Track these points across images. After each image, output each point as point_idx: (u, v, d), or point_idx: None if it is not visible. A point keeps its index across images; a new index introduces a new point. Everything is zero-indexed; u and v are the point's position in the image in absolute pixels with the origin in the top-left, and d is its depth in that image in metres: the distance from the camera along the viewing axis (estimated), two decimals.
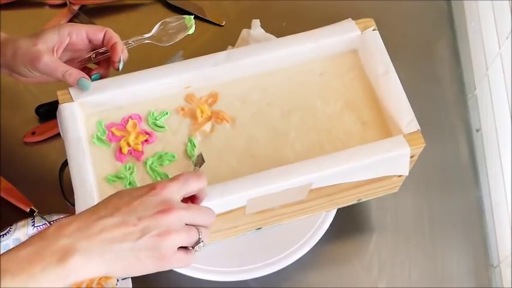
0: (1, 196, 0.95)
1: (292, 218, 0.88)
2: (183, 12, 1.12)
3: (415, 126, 0.80)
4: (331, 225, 0.91)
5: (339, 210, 0.91)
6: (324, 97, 0.86)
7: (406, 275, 0.93)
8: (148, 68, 0.85)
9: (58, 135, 1.00)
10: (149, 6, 1.14)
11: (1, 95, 1.04)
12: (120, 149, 0.82)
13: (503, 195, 0.93)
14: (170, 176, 0.80)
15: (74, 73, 0.82)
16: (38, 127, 1.02)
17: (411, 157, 0.80)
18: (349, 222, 0.95)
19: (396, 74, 0.84)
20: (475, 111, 1.06)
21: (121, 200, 0.63)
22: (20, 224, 0.91)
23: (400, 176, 0.85)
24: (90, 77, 0.85)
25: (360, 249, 0.95)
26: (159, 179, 0.80)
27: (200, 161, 0.78)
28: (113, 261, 0.61)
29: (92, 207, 0.64)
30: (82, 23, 1.10)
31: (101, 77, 0.86)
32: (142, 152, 0.82)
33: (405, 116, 0.81)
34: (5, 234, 0.90)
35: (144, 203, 0.63)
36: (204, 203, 0.73)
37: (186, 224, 0.65)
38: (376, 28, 0.88)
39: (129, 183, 0.80)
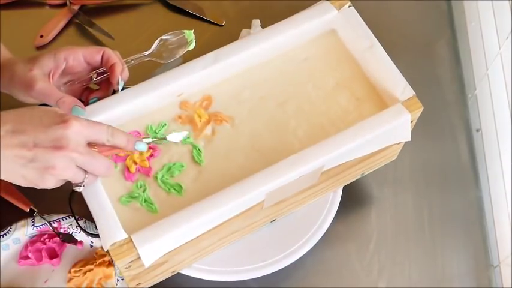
0: (1, 196, 0.95)
1: (303, 204, 0.89)
2: (183, 12, 1.12)
3: (409, 92, 0.82)
4: (331, 225, 0.91)
5: (338, 209, 0.91)
6: (314, 81, 0.87)
7: (406, 275, 0.93)
8: (147, 77, 0.85)
9: None
10: (149, 6, 1.14)
11: (1, 95, 1.04)
12: (128, 169, 0.81)
13: (503, 195, 0.93)
14: (184, 186, 0.80)
15: (68, 101, 0.80)
16: None
17: (411, 122, 0.82)
18: (349, 222, 0.95)
19: (381, 46, 0.85)
20: (475, 111, 1.06)
21: (31, 120, 0.67)
22: (19, 224, 0.91)
23: (399, 143, 0.87)
24: (88, 100, 0.84)
25: (360, 249, 0.95)
26: (173, 190, 0.80)
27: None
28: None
29: (8, 113, 0.68)
30: (82, 23, 1.10)
31: (99, 99, 0.84)
32: (150, 167, 0.82)
33: (398, 84, 0.83)
34: (5, 234, 0.90)
35: (46, 133, 0.66)
36: (230, 204, 0.74)
37: (78, 166, 0.70)
38: (351, 4, 0.89)
39: (145, 201, 0.79)
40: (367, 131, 0.80)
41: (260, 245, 0.90)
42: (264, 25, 1.07)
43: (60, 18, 1.10)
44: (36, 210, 0.93)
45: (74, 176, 0.70)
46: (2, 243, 0.90)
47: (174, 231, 0.74)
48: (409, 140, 0.85)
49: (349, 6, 0.88)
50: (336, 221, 0.91)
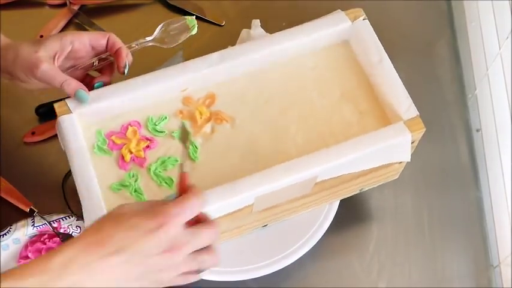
0: (1, 196, 0.95)
1: (297, 213, 0.88)
2: (183, 12, 1.12)
3: (413, 111, 0.81)
4: (331, 225, 0.91)
5: (338, 209, 0.91)
6: (320, 90, 0.87)
7: (406, 275, 0.93)
8: (148, 70, 0.85)
9: None
10: (149, 6, 1.14)
11: (1, 95, 1.04)
12: (123, 157, 0.82)
13: (503, 195, 0.93)
14: (175, 180, 0.80)
15: (73, 84, 0.81)
16: (38, 127, 1.02)
17: (412, 142, 0.81)
18: (349, 223, 0.95)
19: (390, 62, 0.85)
20: (475, 111, 1.06)
21: (128, 233, 0.61)
22: (19, 224, 0.91)
23: (401, 162, 0.85)
24: (93, 85, 0.84)
25: (360, 249, 0.94)
26: (164, 184, 0.80)
27: (185, 135, 0.71)
28: None
29: (96, 232, 0.62)
30: (82, 23, 1.10)
31: (104, 85, 0.85)
32: (144, 158, 0.82)
33: (403, 103, 0.82)
34: (5, 234, 0.90)
35: (150, 242, 0.62)
36: (217, 204, 0.74)
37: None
38: (366, 17, 0.88)
39: (135, 191, 0.79)
40: (364, 146, 0.79)
41: (260, 245, 0.90)
42: (264, 25, 1.07)
43: (60, 18, 1.11)
44: (36, 210, 0.93)
45: (190, 266, 0.65)
46: (1, 243, 0.90)
47: None
48: (408, 160, 0.84)
49: (363, 19, 0.88)
50: (336, 222, 0.91)
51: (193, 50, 1.07)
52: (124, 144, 0.83)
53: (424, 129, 0.80)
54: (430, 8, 1.16)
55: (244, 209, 0.79)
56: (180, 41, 0.96)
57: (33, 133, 1.01)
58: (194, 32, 0.96)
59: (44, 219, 0.91)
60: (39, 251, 0.90)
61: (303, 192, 0.83)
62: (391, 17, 1.14)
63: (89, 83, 0.85)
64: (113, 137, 0.83)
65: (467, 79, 1.09)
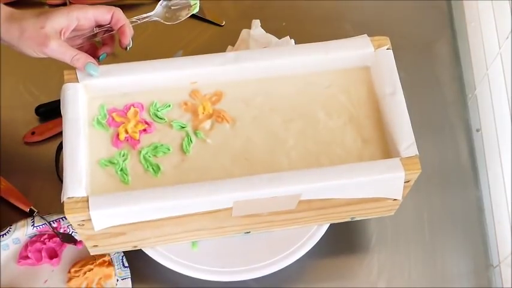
0: (1, 196, 0.95)
1: (281, 227, 0.88)
2: None
3: (413, 151, 0.79)
4: (331, 225, 0.91)
5: None
6: (329, 110, 0.85)
7: (406, 275, 0.93)
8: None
9: (58, 135, 1.00)
10: (149, 6, 1.14)
11: (1, 95, 1.04)
12: (118, 135, 0.83)
13: (503, 195, 0.93)
14: (162, 169, 0.81)
15: (82, 58, 0.82)
16: (38, 127, 1.02)
17: (406, 182, 0.79)
18: (349, 223, 0.95)
19: (403, 96, 0.82)
20: (475, 111, 1.06)
21: None
22: (19, 224, 0.91)
23: (395, 199, 0.84)
24: (97, 57, 0.85)
25: (359, 249, 0.95)
26: (150, 169, 0.81)
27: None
28: None
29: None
30: None
31: (107, 55, 0.86)
32: (138, 140, 0.83)
33: (405, 140, 0.79)
34: (5, 234, 0.90)
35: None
36: (193, 199, 0.75)
37: None
38: (391, 47, 0.86)
39: (121, 170, 0.80)
40: (354, 174, 0.77)
41: (260, 245, 0.90)
42: (263, 25, 1.07)
43: None
44: (36, 210, 0.93)
45: None
46: (1, 243, 0.90)
47: (129, 206, 0.75)
48: (400, 199, 0.83)
49: (387, 48, 0.86)
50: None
51: (193, 49, 1.07)
52: (122, 123, 0.83)
53: (420, 171, 0.78)
54: (430, 8, 1.16)
55: (224, 211, 0.79)
56: (181, 19, 0.96)
57: (33, 133, 1.01)
58: (196, 10, 0.96)
59: (44, 219, 0.91)
60: (39, 251, 0.90)
61: (286, 207, 0.82)
62: (391, 17, 1.14)
63: (95, 61, 0.85)
64: (114, 114, 0.84)
65: (467, 79, 1.09)
